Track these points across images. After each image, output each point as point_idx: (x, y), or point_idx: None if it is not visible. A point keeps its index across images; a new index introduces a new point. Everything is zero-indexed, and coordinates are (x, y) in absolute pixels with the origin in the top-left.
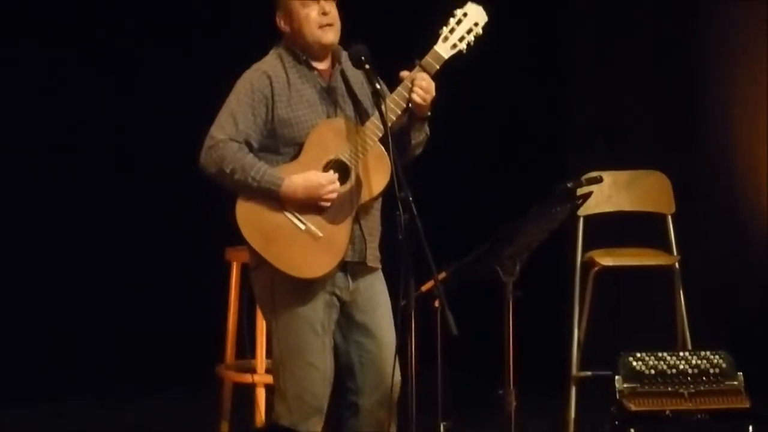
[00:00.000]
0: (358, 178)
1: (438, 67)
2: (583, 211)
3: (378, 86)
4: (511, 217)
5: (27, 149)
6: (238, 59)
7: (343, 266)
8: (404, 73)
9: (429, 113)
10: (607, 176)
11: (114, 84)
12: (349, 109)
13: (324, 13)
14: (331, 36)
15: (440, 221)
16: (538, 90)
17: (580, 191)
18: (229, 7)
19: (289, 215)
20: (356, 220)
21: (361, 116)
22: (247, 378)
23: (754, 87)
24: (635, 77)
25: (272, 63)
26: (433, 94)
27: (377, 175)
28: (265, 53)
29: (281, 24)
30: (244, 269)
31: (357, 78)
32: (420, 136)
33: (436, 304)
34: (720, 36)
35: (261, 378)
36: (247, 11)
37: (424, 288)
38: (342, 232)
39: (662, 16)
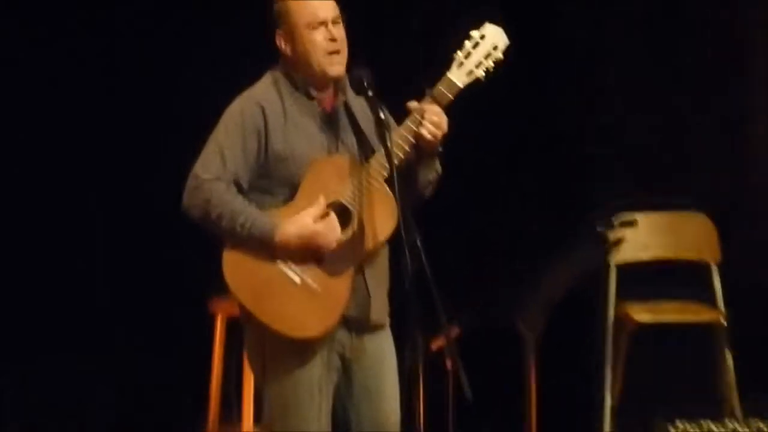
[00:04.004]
0: (360, 224)
1: (452, 97)
2: (616, 259)
3: (382, 116)
4: (533, 258)
5: None
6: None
7: (347, 321)
8: (413, 104)
9: (440, 148)
10: (643, 218)
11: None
12: (352, 143)
13: (332, 39)
14: (339, 68)
15: (451, 265)
16: (561, 119)
17: (612, 236)
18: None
19: (282, 266)
20: (359, 270)
21: (366, 152)
22: None
23: None
24: (671, 102)
25: (266, 90)
26: (445, 129)
27: (383, 220)
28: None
29: (282, 44)
30: (231, 323)
31: (362, 109)
32: (430, 174)
33: (449, 364)
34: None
35: None
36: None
37: (434, 346)
38: (342, 285)
39: (706, 43)
